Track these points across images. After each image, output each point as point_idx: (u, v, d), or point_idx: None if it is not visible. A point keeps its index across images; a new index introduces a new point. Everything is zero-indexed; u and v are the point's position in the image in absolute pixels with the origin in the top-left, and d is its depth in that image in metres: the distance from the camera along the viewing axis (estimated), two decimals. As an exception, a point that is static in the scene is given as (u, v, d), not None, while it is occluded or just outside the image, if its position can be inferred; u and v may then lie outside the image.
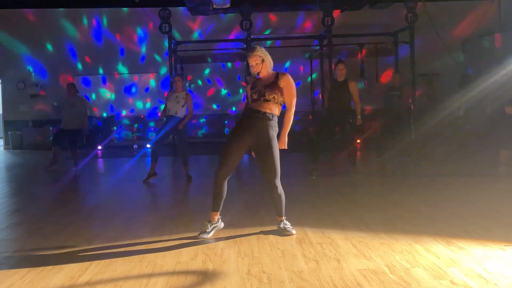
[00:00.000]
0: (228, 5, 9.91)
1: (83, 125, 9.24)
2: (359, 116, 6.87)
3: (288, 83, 3.99)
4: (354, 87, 6.82)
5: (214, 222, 4.06)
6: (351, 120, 6.94)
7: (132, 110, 14.42)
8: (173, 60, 11.94)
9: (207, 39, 13.69)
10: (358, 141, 9.72)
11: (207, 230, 3.99)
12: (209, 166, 8.68)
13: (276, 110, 3.99)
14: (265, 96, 3.94)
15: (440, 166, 7.99)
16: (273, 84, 3.97)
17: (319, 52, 12.77)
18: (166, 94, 7.31)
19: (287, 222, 4.12)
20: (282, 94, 3.97)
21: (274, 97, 3.94)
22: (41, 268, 3.34)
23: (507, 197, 5.29)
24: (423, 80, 13.02)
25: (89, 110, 9.61)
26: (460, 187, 6.01)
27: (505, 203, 4.99)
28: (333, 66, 6.88)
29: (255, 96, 3.99)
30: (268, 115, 3.93)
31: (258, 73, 4.03)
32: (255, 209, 5.02)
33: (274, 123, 3.97)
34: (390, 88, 8.64)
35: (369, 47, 12.27)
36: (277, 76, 4.01)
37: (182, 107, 7.04)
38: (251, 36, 11.58)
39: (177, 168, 9.23)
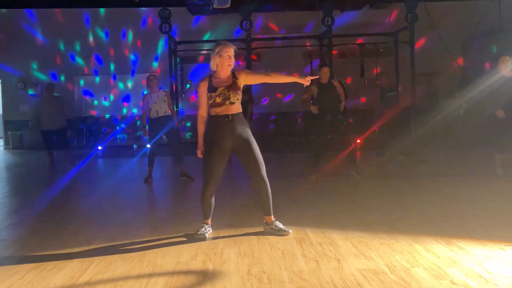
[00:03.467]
0: (228, 5, 9.91)
1: (65, 122, 9.22)
2: (342, 108, 7.08)
3: (246, 74, 4.02)
4: (339, 85, 7.12)
5: (209, 225, 4.14)
6: (344, 121, 7.06)
7: (131, 111, 14.42)
8: (173, 60, 11.94)
9: (207, 39, 13.68)
10: (359, 141, 9.71)
11: (205, 231, 4.03)
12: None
13: (241, 108, 4.00)
14: (230, 99, 3.87)
15: (440, 166, 7.99)
16: (234, 84, 3.91)
17: (319, 52, 12.77)
18: (144, 97, 7.07)
19: (279, 222, 4.10)
20: (241, 91, 3.98)
21: (238, 98, 3.93)
22: (41, 268, 3.34)
23: (506, 197, 5.29)
24: (423, 80, 13.02)
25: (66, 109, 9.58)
26: (460, 187, 6.00)
27: (505, 203, 4.98)
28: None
29: (219, 100, 3.86)
30: (238, 115, 3.94)
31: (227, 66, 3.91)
32: (255, 209, 5.00)
33: (245, 120, 4.04)
34: (383, 89, 8.59)
35: (369, 47, 12.28)
36: (234, 76, 3.95)
37: (168, 105, 7.04)
38: (251, 36, 11.58)
39: (177, 168, 9.22)
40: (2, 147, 14.39)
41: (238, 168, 8.84)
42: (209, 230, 4.09)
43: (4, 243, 4.13)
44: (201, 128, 4.03)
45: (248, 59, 11.81)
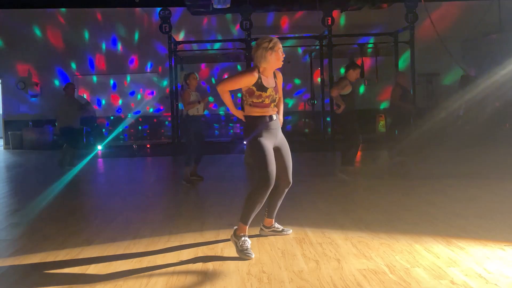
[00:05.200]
0: (228, 5, 9.92)
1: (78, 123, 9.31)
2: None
3: (281, 79, 3.82)
4: None
5: (246, 238, 3.60)
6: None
7: (135, 111, 14.43)
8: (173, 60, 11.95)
9: (207, 39, 13.69)
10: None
11: (249, 246, 3.53)
12: (209, 166, 8.67)
13: None
14: (275, 101, 3.68)
15: (440, 167, 7.98)
16: (277, 86, 3.71)
17: (319, 52, 12.78)
18: (186, 93, 6.83)
19: (277, 224, 4.07)
20: None
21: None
22: (41, 268, 3.34)
23: (507, 197, 5.29)
24: (423, 80, 13.04)
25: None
26: (460, 187, 6.00)
27: (505, 203, 4.98)
28: (353, 71, 6.81)
29: (267, 102, 3.61)
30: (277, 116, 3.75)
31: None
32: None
33: None
34: (405, 88, 8.52)
35: (369, 47, 12.31)
36: (274, 76, 3.74)
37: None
38: (251, 36, 11.59)
39: (177, 167, 9.23)
40: (2, 147, 14.39)
41: (237, 168, 8.84)
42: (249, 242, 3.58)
43: (4, 243, 4.13)
44: (229, 98, 3.69)
45: (248, 59, 11.81)
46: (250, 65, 11.72)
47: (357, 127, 6.94)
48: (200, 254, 3.55)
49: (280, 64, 3.65)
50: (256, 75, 3.59)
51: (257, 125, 3.61)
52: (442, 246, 3.55)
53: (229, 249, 3.65)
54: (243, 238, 3.54)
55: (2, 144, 14.70)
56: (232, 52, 13.34)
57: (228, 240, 3.90)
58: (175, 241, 3.92)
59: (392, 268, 3.14)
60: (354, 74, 6.84)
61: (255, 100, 3.61)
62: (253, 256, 3.45)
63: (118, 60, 14.19)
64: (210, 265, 3.31)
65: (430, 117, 9.13)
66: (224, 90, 3.67)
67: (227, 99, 3.71)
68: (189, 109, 6.76)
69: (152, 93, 14.31)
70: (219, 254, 3.55)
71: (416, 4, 11.11)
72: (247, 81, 3.58)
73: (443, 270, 3.07)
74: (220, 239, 3.94)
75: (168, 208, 5.67)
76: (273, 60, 3.59)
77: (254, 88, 3.58)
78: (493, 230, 3.93)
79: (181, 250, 3.67)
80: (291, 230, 4.05)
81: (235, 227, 3.66)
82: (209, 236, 4.04)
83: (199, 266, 3.32)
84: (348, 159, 6.96)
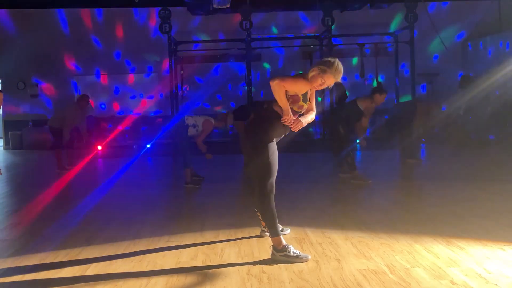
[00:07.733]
0: (228, 5, 9.92)
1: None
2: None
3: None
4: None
5: (288, 244, 3.43)
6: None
7: (131, 111, 14.42)
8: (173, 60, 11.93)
9: (207, 39, 13.67)
10: (358, 141, 9.69)
11: (296, 252, 3.39)
12: (208, 167, 8.66)
13: None
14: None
15: (440, 167, 7.98)
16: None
17: (319, 52, 12.77)
18: (210, 125, 6.69)
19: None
20: None
21: None
22: (40, 268, 3.34)
23: (507, 197, 5.29)
24: (422, 80, 13.04)
25: None
26: (460, 188, 6.00)
27: (505, 203, 4.99)
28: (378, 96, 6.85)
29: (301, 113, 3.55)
30: None
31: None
32: (255, 209, 5.00)
33: None
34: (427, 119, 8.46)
35: (369, 47, 12.30)
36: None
37: None
38: (251, 36, 11.57)
39: (177, 168, 9.22)
40: (2, 147, 14.39)
41: (236, 169, 8.84)
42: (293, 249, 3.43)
43: (4, 243, 4.13)
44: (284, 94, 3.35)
45: (248, 59, 11.80)
46: (249, 66, 11.72)
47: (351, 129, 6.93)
48: (200, 254, 3.55)
49: (305, 90, 3.42)
50: (309, 85, 3.40)
51: (281, 129, 3.45)
52: (442, 246, 3.55)
53: (229, 249, 3.65)
54: (287, 247, 3.36)
55: (2, 144, 14.69)
56: (232, 52, 13.33)
57: (228, 240, 3.91)
58: (175, 241, 3.92)
59: (392, 268, 3.14)
60: (380, 99, 6.69)
61: (295, 109, 3.44)
62: (309, 256, 3.37)
63: (117, 59, 14.19)
64: (210, 265, 3.31)
65: (431, 117, 9.10)
66: (281, 88, 3.31)
67: (283, 95, 3.33)
68: (196, 142, 6.65)
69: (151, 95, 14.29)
70: (219, 254, 3.55)
71: (416, 4, 11.09)
72: (301, 88, 3.38)
73: (443, 270, 3.07)
74: (220, 239, 3.94)
75: (168, 208, 5.67)
76: (310, 83, 3.38)
77: (301, 97, 3.40)
78: (493, 230, 3.93)
79: (181, 250, 3.67)
80: (289, 230, 4.05)
81: (271, 247, 3.44)
82: (209, 236, 4.04)
83: (199, 266, 3.32)
84: (351, 165, 6.74)
